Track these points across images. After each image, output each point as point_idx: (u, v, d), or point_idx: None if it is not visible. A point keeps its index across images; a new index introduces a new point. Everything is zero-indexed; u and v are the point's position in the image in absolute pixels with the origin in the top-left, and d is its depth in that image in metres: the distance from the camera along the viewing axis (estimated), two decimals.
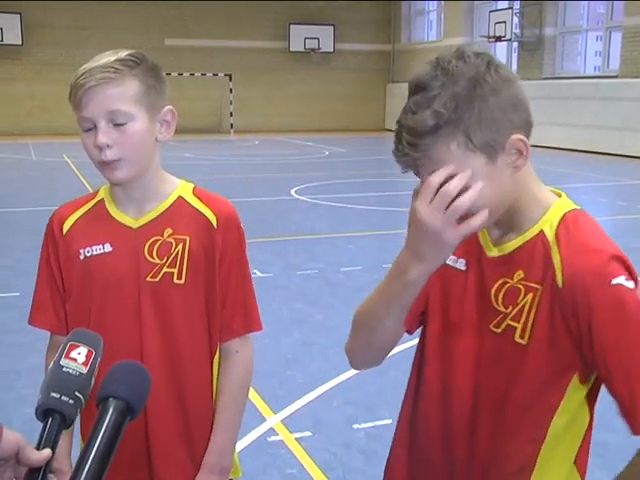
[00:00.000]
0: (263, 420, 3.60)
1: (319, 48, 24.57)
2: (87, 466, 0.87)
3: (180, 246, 1.58)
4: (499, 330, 1.28)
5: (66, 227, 1.62)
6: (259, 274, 6.16)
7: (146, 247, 1.58)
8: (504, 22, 19.37)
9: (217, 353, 1.68)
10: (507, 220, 1.28)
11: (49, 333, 1.69)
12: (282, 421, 3.62)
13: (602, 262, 1.19)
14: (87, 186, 10.63)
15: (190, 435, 1.66)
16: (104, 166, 1.53)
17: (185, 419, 1.65)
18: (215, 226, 1.60)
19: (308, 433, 3.50)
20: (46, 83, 22.36)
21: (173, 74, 21.31)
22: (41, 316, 1.66)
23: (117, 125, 1.49)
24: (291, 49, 24.47)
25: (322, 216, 9.13)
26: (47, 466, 0.91)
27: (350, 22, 25.05)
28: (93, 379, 0.96)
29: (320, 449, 3.36)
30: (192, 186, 1.66)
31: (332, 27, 24.60)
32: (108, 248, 1.59)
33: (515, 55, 20.45)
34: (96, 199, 1.66)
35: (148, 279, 1.58)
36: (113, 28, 22.31)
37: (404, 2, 25.22)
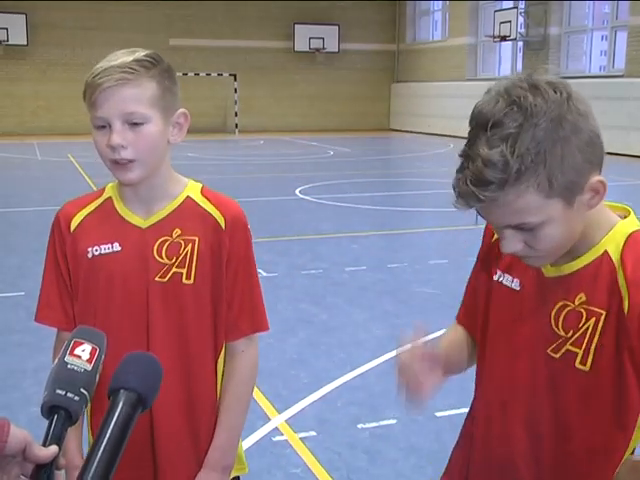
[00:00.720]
0: (268, 420, 3.60)
1: (324, 48, 24.56)
2: (97, 458, 0.88)
3: (189, 246, 1.59)
4: (557, 355, 1.22)
5: (74, 224, 1.62)
6: (264, 274, 6.16)
7: (155, 247, 1.59)
8: (509, 22, 19.34)
9: (222, 352, 1.69)
10: None
11: (55, 331, 1.70)
12: (286, 421, 3.63)
13: None
14: (92, 186, 10.65)
15: (195, 432, 1.67)
16: (116, 166, 1.52)
17: (190, 417, 1.66)
18: (223, 227, 1.61)
19: (312, 433, 3.50)
20: (51, 83, 22.41)
21: (178, 74, 21.04)
22: (48, 313, 1.65)
23: (132, 126, 1.49)
24: (296, 49, 24.47)
25: (326, 216, 9.13)
26: (54, 462, 0.92)
27: (355, 22, 25.03)
28: (97, 376, 0.97)
29: (324, 449, 3.36)
30: (200, 186, 1.67)
31: (337, 27, 24.59)
32: (117, 247, 1.59)
33: (520, 55, 20.41)
34: (103, 197, 1.65)
35: (157, 279, 1.58)
36: (118, 28, 22.34)
37: (409, 2, 25.18)
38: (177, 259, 1.59)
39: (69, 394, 0.93)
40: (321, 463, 3.23)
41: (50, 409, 0.93)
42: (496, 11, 20.25)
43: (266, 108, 24.47)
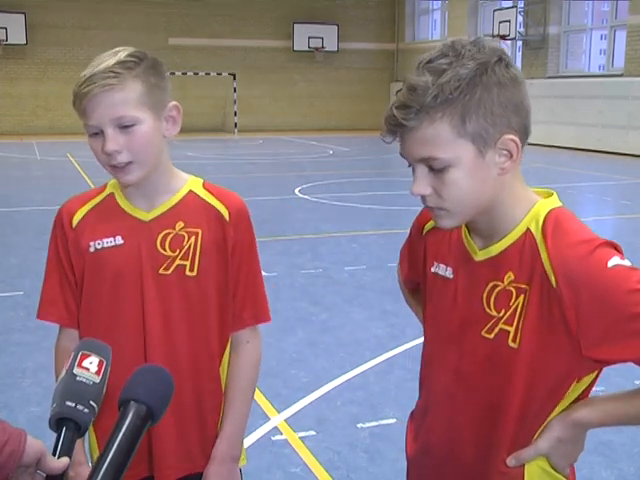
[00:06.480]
0: (267, 419, 3.60)
1: (323, 47, 24.56)
2: (104, 469, 0.88)
3: (192, 239, 1.60)
4: (491, 336, 1.24)
5: (75, 220, 1.62)
6: (263, 273, 6.14)
7: (158, 240, 1.59)
8: (508, 21, 19.34)
9: (228, 344, 1.69)
10: (489, 223, 1.25)
11: (58, 328, 1.69)
12: (286, 420, 3.62)
13: (593, 249, 1.15)
14: (92, 185, 10.64)
15: (202, 424, 1.66)
16: (115, 170, 1.53)
17: (196, 407, 1.65)
18: (227, 219, 1.62)
19: (312, 432, 3.50)
20: (50, 82, 22.40)
21: (177, 73, 21.30)
22: (51, 309, 1.65)
23: (124, 129, 1.49)
24: (295, 48, 24.46)
25: (326, 215, 9.13)
26: (64, 474, 0.92)
27: (354, 21, 25.03)
28: (105, 388, 0.97)
29: (324, 448, 3.36)
30: (202, 180, 1.68)
31: (336, 26, 24.58)
32: (119, 241, 1.59)
33: (519, 54, 20.41)
34: (105, 193, 1.66)
35: (160, 271, 1.59)
36: (117, 27, 22.33)
37: (408, 1, 25.18)
38: (180, 252, 1.59)
39: (79, 406, 0.93)
40: (321, 462, 3.23)
41: (59, 421, 0.93)
42: (495, 10, 20.25)
43: (265, 107, 24.46)
